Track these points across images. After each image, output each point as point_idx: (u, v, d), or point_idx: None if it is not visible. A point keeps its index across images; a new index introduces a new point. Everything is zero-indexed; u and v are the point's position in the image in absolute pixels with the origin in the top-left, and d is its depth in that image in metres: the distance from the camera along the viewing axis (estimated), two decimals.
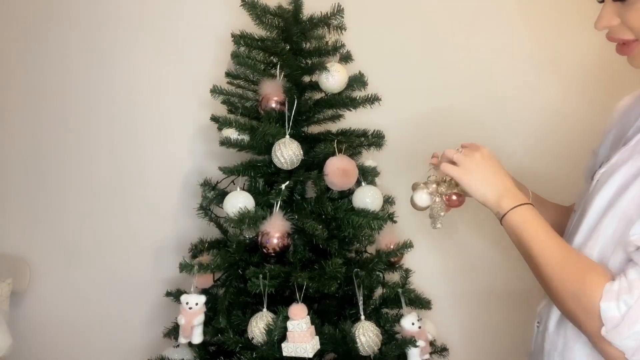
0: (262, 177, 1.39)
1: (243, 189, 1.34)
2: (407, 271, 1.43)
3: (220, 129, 1.43)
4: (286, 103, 1.33)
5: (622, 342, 0.62)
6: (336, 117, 1.50)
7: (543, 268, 0.76)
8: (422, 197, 1.05)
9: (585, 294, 0.67)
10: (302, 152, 1.30)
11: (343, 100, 1.41)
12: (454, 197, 1.03)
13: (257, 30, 1.41)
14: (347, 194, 1.39)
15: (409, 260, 1.45)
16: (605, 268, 0.71)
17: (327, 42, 1.43)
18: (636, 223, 0.67)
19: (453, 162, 0.94)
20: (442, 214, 1.05)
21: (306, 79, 1.44)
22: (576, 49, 1.54)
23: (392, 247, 1.38)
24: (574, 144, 1.46)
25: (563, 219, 1.04)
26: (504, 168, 0.92)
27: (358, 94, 1.42)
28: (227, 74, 1.45)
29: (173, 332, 1.49)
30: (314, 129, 1.50)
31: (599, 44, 0.85)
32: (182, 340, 1.34)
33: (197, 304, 1.33)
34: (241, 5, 1.37)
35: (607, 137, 0.99)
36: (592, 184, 0.87)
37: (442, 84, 1.66)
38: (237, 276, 1.35)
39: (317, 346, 1.23)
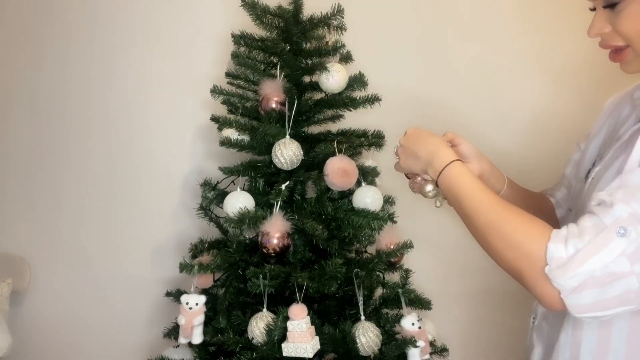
0: (262, 177, 1.39)
1: (243, 189, 1.34)
2: (407, 271, 1.43)
3: (220, 129, 1.43)
4: (286, 103, 1.33)
5: (565, 281, 0.62)
6: (336, 117, 1.50)
7: (483, 220, 0.74)
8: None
9: (529, 239, 0.66)
10: (302, 153, 1.30)
11: (343, 101, 1.41)
12: None
13: (257, 31, 1.41)
14: (347, 194, 1.39)
15: (409, 260, 1.44)
16: (544, 221, 0.71)
17: (327, 43, 1.43)
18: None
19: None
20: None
21: (306, 79, 1.44)
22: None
23: (392, 247, 1.38)
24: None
25: (532, 205, 1.07)
26: (429, 134, 0.93)
27: (358, 94, 1.42)
28: (227, 74, 1.45)
29: (173, 332, 1.49)
30: (314, 129, 1.50)
31: (588, 45, 0.86)
32: (182, 340, 1.34)
33: (197, 304, 1.33)
34: (241, 6, 1.37)
35: (597, 134, 1.00)
36: (587, 183, 0.88)
37: (442, 83, 1.66)
38: (237, 276, 1.35)
39: (317, 346, 1.23)
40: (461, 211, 0.81)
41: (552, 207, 1.16)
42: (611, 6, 0.74)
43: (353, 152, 1.45)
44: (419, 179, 1.00)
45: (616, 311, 0.62)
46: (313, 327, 1.24)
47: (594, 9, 0.80)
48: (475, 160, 1.08)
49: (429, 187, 0.98)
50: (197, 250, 1.50)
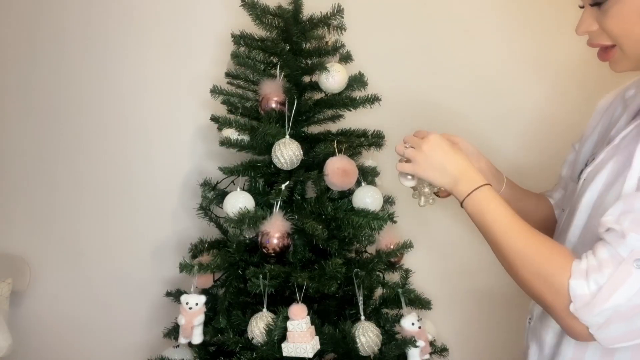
0: (262, 177, 1.39)
1: (243, 189, 1.34)
2: (407, 271, 1.43)
3: (220, 129, 1.43)
4: (286, 103, 1.33)
5: (591, 318, 0.64)
6: (336, 117, 1.50)
7: (506, 250, 0.76)
8: (408, 180, 1.04)
9: (552, 272, 0.68)
10: (302, 152, 1.30)
11: (343, 101, 1.41)
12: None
13: (257, 31, 1.41)
14: (347, 194, 1.39)
15: (409, 260, 1.45)
16: (568, 249, 0.72)
17: (327, 42, 1.43)
18: (610, 207, 0.68)
19: (408, 160, 0.95)
20: (426, 190, 1.05)
21: (306, 79, 1.44)
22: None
23: (392, 247, 1.38)
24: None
25: (530, 205, 1.09)
26: (456, 149, 0.91)
27: (358, 94, 1.42)
28: (227, 74, 1.45)
29: (173, 332, 1.49)
30: (314, 129, 1.50)
31: (582, 47, 0.86)
32: (182, 340, 1.34)
33: (197, 304, 1.33)
34: (241, 6, 1.37)
35: (590, 134, 1.00)
36: (579, 183, 0.88)
37: (442, 83, 1.66)
38: (237, 276, 1.35)
39: (317, 346, 1.23)
40: (488, 236, 0.81)
41: (550, 208, 1.16)
42: (598, 4, 0.74)
43: (353, 152, 1.45)
44: (426, 189, 1.00)
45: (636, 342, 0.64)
46: (313, 327, 1.24)
47: (582, 7, 0.80)
48: (473, 158, 1.08)
49: (424, 200, 1.02)
50: (197, 250, 1.50)
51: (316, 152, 1.39)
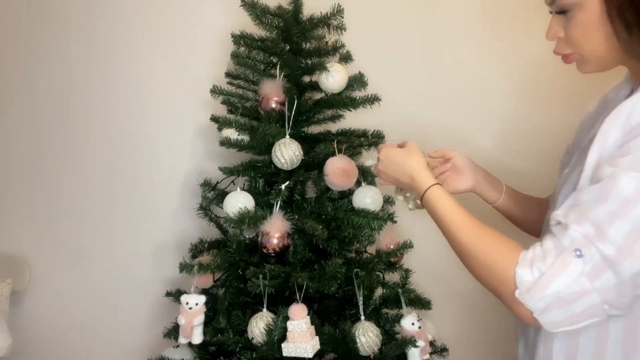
0: (262, 177, 1.39)
1: (243, 189, 1.34)
2: (407, 271, 1.43)
3: (220, 129, 1.43)
4: (286, 103, 1.33)
5: (534, 303, 0.68)
6: (336, 117, 1.50)
7: (458, 244, 0.82)
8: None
9: (500, 262, 0.72)
10: (302, 152, 1.30)
11: (343, 101, 1.41)
12: None
13: (257, 31, 1.41)
14: (347, 194, 1.39)
15: (409, 260, 1.45)
16: (515, 241, 0.76)
17: (327, 42, 1.43)
18: (562, 205, 0.73)
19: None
20: (408, 194, 1.16)
21: (306, 79, 1.44)
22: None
23: (392, 247, 1.38)
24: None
25: (533, 210, 1.11)
26: (405, 158, 0.99)
27: (358, 94, 1.42)
28: (227, 74, 1.45)
29: (173, 332, 1.49)
30: (314, 129, 1.50)
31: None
32: (182, 340, 1.34)
33: (197, 304, 1.33)
34: (241, 6, 1.37)
35: (577, 138, 1.02)
36: (559, 182, 0.91)
37: (442, 83, 1.66)
38: (237, 276, 1.35)
39: (317, 346, 1.23)
40: (443, 231, 0.88)
41: None
42: (563, 12, 0.78)
43: (353, 152, 1.45)
44: (407, 194, 1.14)
45: (585, 323, 0.68)
46: (313, 327, 1.24)
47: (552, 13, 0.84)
48: (469, 171, 1.11)
49: (412, 204, 1.14)
50: (197, 250, 1.50)
51: (316, 152, 1.39)
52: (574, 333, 0.74)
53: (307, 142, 1.41)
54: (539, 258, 0.68)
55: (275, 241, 1.25)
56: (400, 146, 1.07)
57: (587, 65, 0.80)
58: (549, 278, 0.66)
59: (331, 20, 1.37)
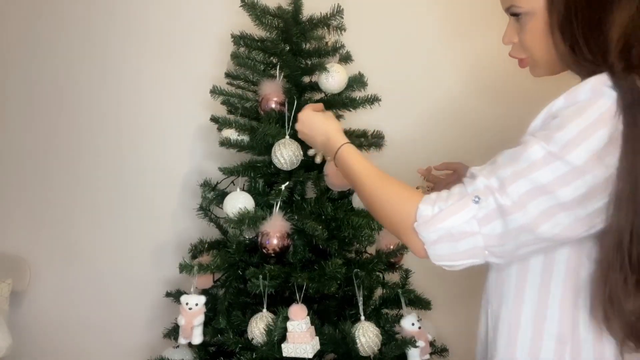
0: (261, 177, 1.39)
1: (243, 190, 1.34)
2: (407, 271, 1.43)
3: (220, 129, 1.43)
4: (286, 104, 1.34)
5: (427, 234, 0.74)
6: (336, 118, 1.50)
7: (366, 191, 0.88)
8: None
9: (405, 199, 0.79)
10: (301, 153, 1.30)
11: (343, 101, 1.41)
12: None
13: (256, 31, 1.41)
14: (347, 195, 1.39)
15: (409, 260, 1.45)
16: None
17: (326, 43, 1.43)
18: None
19: None
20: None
21: (306, 79, 1.44)
22: None
23: (392, 247, 1.38)
24: None
25: None
26: (322, 121, 1.05)
27: (358, 94, 1.43)
28: (227, 75, 1.45)
29: (173, 332, 1.49)
30: None
31: None
32: (182, 340, 1.34)
33: (197, 305, 1.33)
34: (241, 6, 1.37)
35: None
36: None
37: (442, 83, 1.66)
38: (237, 277, 1.35)
39: (317, 347, 1.23)
40: (353, 184, 0.94)
41: None
42: (515, 15, 0.82)
43: (344, 172, 1.45)
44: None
45: (466, 262, 0.74)
46: (313, 327, 1.25)
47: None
48: None
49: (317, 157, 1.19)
50: (196, 250, 1.50)
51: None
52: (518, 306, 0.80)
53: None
54: (442, 199, 0.75)
55: (275, 241, 1.25)
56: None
57: (538, 69, 0.84)
58: (445, 215, 0.72)
59: (331, 20, 1.37)
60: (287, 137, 1.30)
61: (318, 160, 1.21)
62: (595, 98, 0.69)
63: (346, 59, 1.44)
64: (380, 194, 0.85)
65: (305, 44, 1.42)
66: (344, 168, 0.95)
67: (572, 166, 0.66)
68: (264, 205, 1.32)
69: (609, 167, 0.67)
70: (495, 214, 0.70)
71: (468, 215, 0.71)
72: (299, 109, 1.36)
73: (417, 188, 1.17)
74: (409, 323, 1.33)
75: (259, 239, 1.26)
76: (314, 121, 1.06)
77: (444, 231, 0.72)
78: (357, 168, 0.92)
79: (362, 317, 1.29)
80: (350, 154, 0.95)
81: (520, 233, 0.69)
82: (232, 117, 1.42)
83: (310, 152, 1.20)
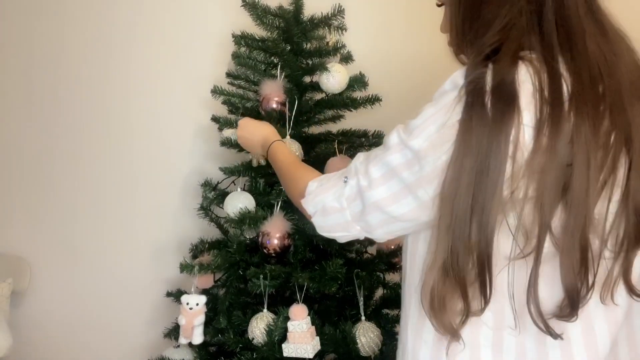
0: (262, 177, 1.39)
1: (244, 190, 1.34)
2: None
3: (221, 129, 1.43)
4: (287, 103, 1.34)
5: (308, 207, 0.84)
6: (337, 118, 1.50)
7: (282, 176, 1.02)
8: None
9: (303, 178, 0.89)
10: (302, 153, 1.31)
11: (344, 101, 1.41)
12: None
13: (257, 31, 1.41)
14: None
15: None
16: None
17: (327, 43, 1.43)
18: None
19: None
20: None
21: (307, 79, 1.44)
22: None
23: (392, 247, 1.38)
24: None
25: None
26: (258, 125, 1.20)
27: (359, 94, 1.43)
28: (228, 75, 1.45)
29: (173, 332, 1.49)
30: (315, 129, 1.50)
31: None
32: (183, 340, 1.34)
33: (197, 305, 1.33)
34: (242, 6, 1.37)
35: None
36: None
37: (442, 83, 1.66)
38: (237, 276, 1.35)
39: (318, 347, 1.23)
40: (276, 171, 1.06)
41: None
42: (440, 6, 0.89)
43: (354, 153, 1.45)
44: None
45: (343, 235, 0.82)
46: (313, 327, 1.24)
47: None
48: None
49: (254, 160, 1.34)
50: (197, 250, 1.50)
51: (317, 152, 1.40)
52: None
53: (308, 143, 1.41)
54: (325, 178, 0.85)
55: (275, 241, 1.25)
56: None
57: (455, 57, 0.89)
58: (321, 191, 0.82)
59: (332, 20, 1.37)
60: (288, 136, 1.30)
61: (254, 163, 1.33)
62: (450, 89, 0.72)
63: (347, 59, 1.44)
64: (289, 177, 0.98)
65: (306, 44, 1.42)
66: (272, 160, 1.08)
67: (413, 151, 0.70)
68: (264, 205, 1.32)
69: (441, 155, 0.67)
70: (357, 193, 0.76)
71: (337, 194, 0.79)
72: (299, 109, 1.36)
73: None
74: None
75: (260, 239, 1.26)
76: (252, 126, 1.20)
77: (319, 205, 0.81)
78: (279, 158, 1.05)
79: (363, 317, 1.29)
80: (277, 148, 1.09)
81: (374, 210, 0.75)
82: (233, 117, 1.42)
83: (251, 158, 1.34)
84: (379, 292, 1.44)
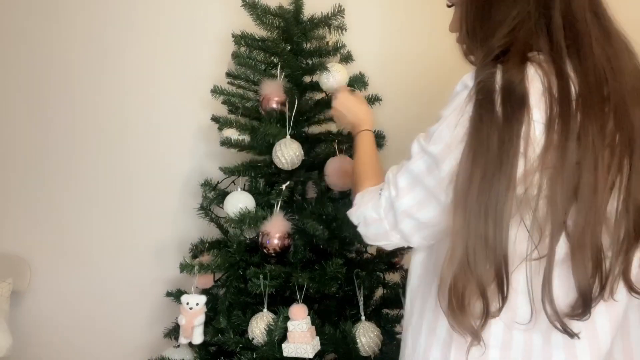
0: (262, 177, 1.39)
1: (244, 190, 1.34)
2: (408, 271, 1.43)
3: (220, 129, 1.43)
4: (287, 103, 1.33)
5: (353, 218, 0.88)
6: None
7: (354, 171, 1.03)
8: None
9: (362, 186, 0.92)
10: (302, 153, 1.31)
11: None
12: None
13: (257, 31, 1.41)
14: (348, 194, 1.39)
15: (409, 260, 1.44)
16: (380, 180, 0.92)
17: (327, 43, 1.43)
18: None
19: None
20: None
21: (307, 79, 1.44)
22: None
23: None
24: None
25: None
26: (356, 105, 1.17)
27: (359, 94, 1.42)
28: (228, 74, 1.45)
29: (173, 332, 1.49)
30: (315, 129, 1.50)
31: None
32: (183, 340, 1.34)
33: (197, 304, 1.33)
34: (242, 6, 1.37)
35: None
36: None
37: (442, 83, 1.66)
38: (237, 276, 1.35)
39: (318, 346, 1.23)
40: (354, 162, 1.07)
41: None
42: (451, 7, 0.90)
43: (353, 152, 1.45)
44: None
45: (384, 243, 0.84)
46: (313, 327, 1.24)
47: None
48: None
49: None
50: (197, 250, 1.50)
51: (317, 152, 1.40)
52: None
53: (308, 142, 1.41)
54: (367, 192, 0.88)
55: (275, 241, 1.25)
56: None
57: (464, 57, 0.88)
58: (362, 203, 0.86)
59: (332, 20, 1.37)
60: (288, 136, 1.30)
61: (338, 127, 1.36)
62: (461, 90, 0.74)
63: (347, 58, 1.44)
64: (356, 177, 0.99)
65: (306, 44, 1.42)
66: (355, 147, 1.09)
67: (432, 156, 0.73)
68: (264, 205, 1.32)
69: (457, 156, 0.69)
70: (390, 203, 0.79)
71: (375, 206, 0.82)
72: (299, 109, 1.36)
73: None
74: None
75: (260, 239, 1.26)
76: (350, 103, 1.17)
77: (361, 217, 0.85)
78: (360, 151, 1.06)
79: (363, 317, 1.29)
80: (363, 139, 1.09)
81: (405, 218, 0.78)
82: (233, 116, 1.42)
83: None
84: (379, 292, 1.44)
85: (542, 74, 0.67)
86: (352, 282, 1.32)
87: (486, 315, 0.68)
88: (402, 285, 1.40)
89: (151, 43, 1.78)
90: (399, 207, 0.77)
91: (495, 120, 0.65)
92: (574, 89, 0.66)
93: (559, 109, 0.65)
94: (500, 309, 0.68)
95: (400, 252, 1.38)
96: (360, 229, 0.86)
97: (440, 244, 0.79)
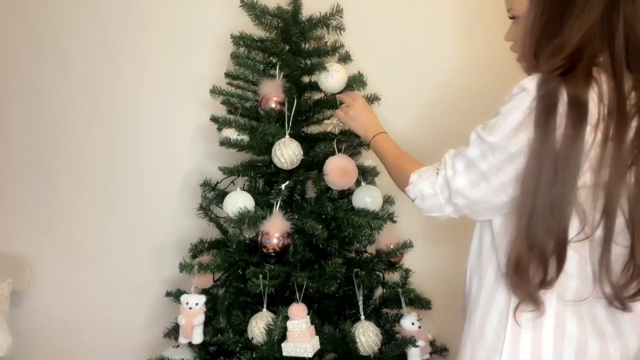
0: (262, 177, 1.40)
1: (243, 189, 1.34)
2: (407, 271, 1.43)
3: (220, 129, 1.43)
4: (286, 103, 1.34)
5: (411, 193, 0.99)
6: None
7: (389, 166, 1.16)
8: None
9: (407, 170, 1.04)
10: (302, 152, 1.31)
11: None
12: None
13: (256, 31, 1.41)
14: (347, 194, 1.39)
15: (409, 260, 1.45)
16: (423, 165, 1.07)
17: (326, 43, 1.43)
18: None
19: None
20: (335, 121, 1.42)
21: (305, 79, 1.44)
22: None
23: (392, 247, 1.38)
24: None
25: None
26: (371, 110, 1.30)
27: (357, 93, 1.42)
28: (227, 75, 1.45)
29: (173, 332, 1.49)
30: (314, 128, 1.50)
31: None
32: (182, 340, 1.34)
33: (197, 304, 1.33)
34: (240, 6, 1.37)
35: None
36: None
37: (442, 83, 1.66)
38: (237, 276, 1.35)
39: (317, 346, 1.23)
40: (381, 160, 1.20)
41: None
42: (512, 18, 0.97)
43: (353, 152, 1.46)
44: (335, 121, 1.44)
45: (437, 214, 0.97)
46: (313, 326, 1.25)
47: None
48: None
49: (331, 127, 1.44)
50: (197, 250, 1.50)
51: (316, 151, 1.40)
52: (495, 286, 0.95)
53: (307, 142, 1.41)
54: (423, 171, 1.00)
55: (275, 241, 1.25)
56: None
57: (525, 66, 0.95)
58: (419, 181, 0.98)
59: (330, 20, 1.37)
60: (287, 136, 1.30)
61: (332, 129, 1.42)
62: (518, 92, 0.83)
63: (345, 58, 1.44)
64: (396, 168, 1.13)
65: (305, 44, 1.42)
66: (377, 148, 1.21)
67: (488, 144, 0.84)
68: (264, 205, 1.32)
69: (518, 145, 0.81)
70: (445, 181, 0.92)
71: (431, 183, 0.95)
72: (298, 109, 1.37)
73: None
74: (409, 322, 1.33)
75: (259, 239, 1.26)
76: (365, 110, 1.28)
77: (418, 192, 0.98)
78: (387, 149, 1.19)
79: (362, 317, 1.29)
80: (384, 140, 1.22)
81: (458, 195, 0.90)
82: (232, 116, 1.42)
83: (334, 121, 1.41)
84: (379, 291, 1.44)
85: (605, 86, 0.79)
86: (351, 282, 1.32)
87: (544, 283, 0.81)
88: (401, 285, 1.40)
89: (150, 43, 1.78)
90: (454, 185, 0.90)
91: (563, 129, 0.76)
92: (631, 101, 0.79)
93: (617, 117, 0.77)
94: (557, 276, 0.80)
95: (400, 251, 1.38)
96: (417, 202, 0.98)
97: (496, 224, 0.92)
